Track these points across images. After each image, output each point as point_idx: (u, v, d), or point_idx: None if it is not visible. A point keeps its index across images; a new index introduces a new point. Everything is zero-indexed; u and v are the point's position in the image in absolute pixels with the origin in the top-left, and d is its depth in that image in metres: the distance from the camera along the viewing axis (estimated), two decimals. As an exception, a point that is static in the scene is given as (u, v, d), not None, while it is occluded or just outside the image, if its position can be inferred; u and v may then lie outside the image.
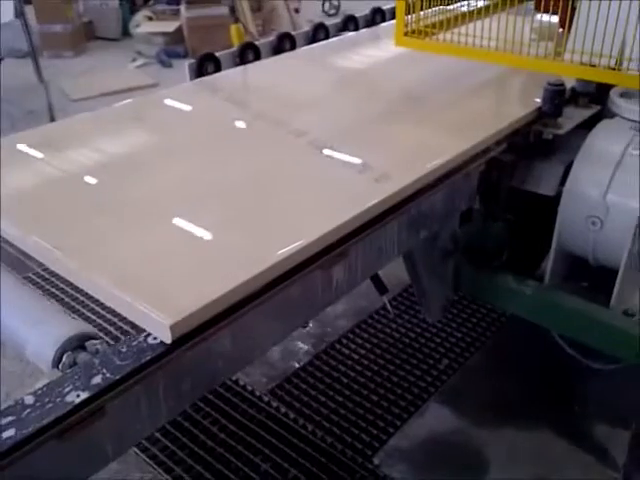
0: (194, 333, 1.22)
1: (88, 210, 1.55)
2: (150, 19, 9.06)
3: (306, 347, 3.36)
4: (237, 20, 6.27)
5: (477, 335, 3.37)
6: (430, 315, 2.34)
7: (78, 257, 1.36)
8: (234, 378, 3.10)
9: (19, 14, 6.71)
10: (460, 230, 2.19)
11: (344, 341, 3.37)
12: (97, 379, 1.07)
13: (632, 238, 1.97)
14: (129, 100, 2.39)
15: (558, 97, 2.02)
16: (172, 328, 1.17)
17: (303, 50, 2.94)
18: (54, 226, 1.48)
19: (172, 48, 8.19)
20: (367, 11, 3.62)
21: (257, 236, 1.45)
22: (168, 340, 1.18)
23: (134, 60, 8.17)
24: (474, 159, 1.90)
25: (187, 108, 2.23)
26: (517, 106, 2.20)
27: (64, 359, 1.12)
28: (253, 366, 3.20)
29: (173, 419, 2.86)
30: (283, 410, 2.93)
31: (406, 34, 2.09)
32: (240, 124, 2.07)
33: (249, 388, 3.06)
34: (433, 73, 2.51)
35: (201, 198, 1.60)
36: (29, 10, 8.06)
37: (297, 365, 3.22)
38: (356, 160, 1.75)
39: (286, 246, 1.38)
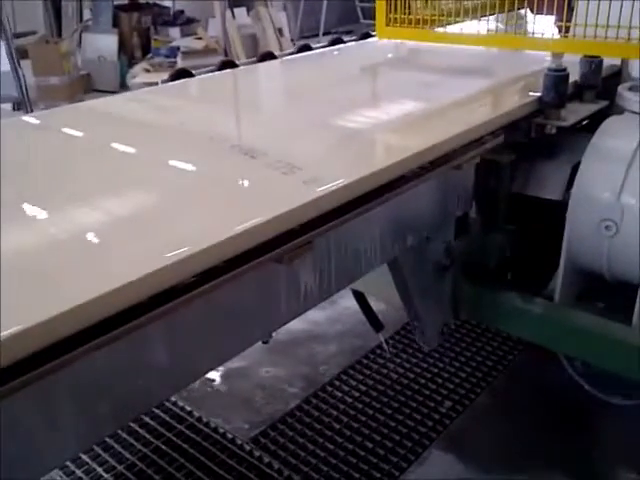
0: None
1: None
2: (147, 71, 9.08)
3: (294, 390, 3.07)
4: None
5: (483, 374, 3.08)
6: (425, 342, 2.05)
7: None
8: (213, 426, 2.81)
9: (13, 66, 6.74)
10: (456, 242, 1.94)
11: (336, 383, 3.10)
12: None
13: (653, 242, 1.72)
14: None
15: (561, 84, 1.79)
16: None
17: (277, 61, 2.77)
18: None
19: (167, 95, 8.14)
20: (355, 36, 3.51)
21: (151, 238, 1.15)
22: None
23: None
24: (455, 155, 1.63)
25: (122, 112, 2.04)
26: (512, 97, 1.98)
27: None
28: (234, 412, 2.92)
29: (143, 472, 2.56)
30: (267, 460, 2.64)
31: (388, 24, 1.89)
32: (165, 128, 1.84)
33: (229, 436, 2.77)
34: (412, 74, 2.31)
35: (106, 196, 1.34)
36: (28, 63, 8.15)
37: (284, 410, 2.91)
38: (287, 162, 1.45)
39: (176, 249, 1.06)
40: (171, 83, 2.41)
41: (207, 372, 1.30)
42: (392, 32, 1.94)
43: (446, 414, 2.86)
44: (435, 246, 1.86)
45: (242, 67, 2.63)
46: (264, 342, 1.44)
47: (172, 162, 1.50)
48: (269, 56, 2.95)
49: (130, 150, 1.59)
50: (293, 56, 2.82)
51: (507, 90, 2.06)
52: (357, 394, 3.01)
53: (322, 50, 2.95)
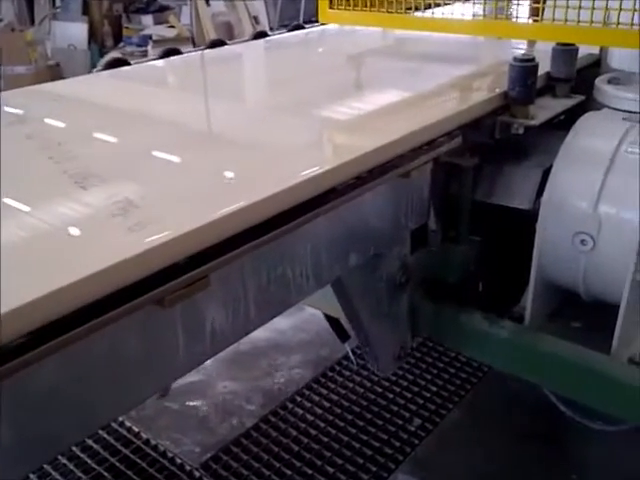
0: None
1: None
2: (118, 60, 8.76)
3: (252, 407, 2.85)
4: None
5: (456, 388, 2.88)
6: (379, 368, 1.83)
7: None
8: (162, 449, 2.59)
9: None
10: (413, 256, 1.70)
11: (298, 399, 2.90)
12: None
13: (636, 260, 1.49)
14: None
15: (529, 76, 1.55)
16: None
17: (218, 50, 2.49)
18: None
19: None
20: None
21: None
22: None
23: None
24: (401, 162, 1.36)
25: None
26: (472, 92, 1.73)
27: None
28: (185, 433, 2.70)
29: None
30: (216, 488, 2.42)
31: (332, 7, 1.64)
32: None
33: (178, 461, 2.56)
34: (358, 64, 2.02)
35: None
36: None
37: (239, 430, 2.69)
38: (124, 197, 1.10)
39: None
40: (92, 75, 2.17)
41: (72, 444, 1.05)
42: (337, 16, 1.69)
43: (414, 433, 2.67)
44: (387, 262, 1.62)
45: (181, 56, 2.38)
46: (161, 395, 1.20)
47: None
48: (219, 43, 2.73)
49: None
50: (239, 45, 2.58)
51: (469, 84, 1.81)
52: (319, 411, 2.81)
53: (276, 37, 2.70)
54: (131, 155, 1.36)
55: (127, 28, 9.37)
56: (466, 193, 1.70)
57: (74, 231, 1.03)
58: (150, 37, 8.77)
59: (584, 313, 1.83)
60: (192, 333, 1.05)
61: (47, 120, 1.63)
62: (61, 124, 1.60)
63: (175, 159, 1.35)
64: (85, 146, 1.41)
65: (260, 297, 1.18)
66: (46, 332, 0.81)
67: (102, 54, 9.17)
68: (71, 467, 2.52)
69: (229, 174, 1.25)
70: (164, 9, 9.58)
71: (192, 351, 1.07)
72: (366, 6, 1.64)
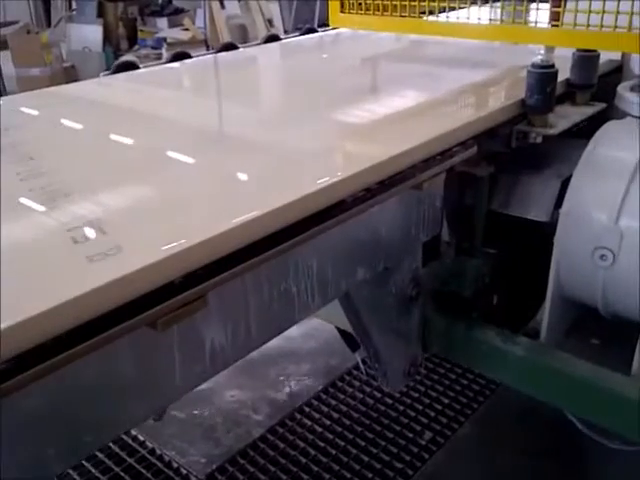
0: None
1: None
2: (132, 62, 8.78)
3: (259, 417, 2.80)
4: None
5: (468, 400, 2.82)
6: (387, 383, 1.77)
7: None
8: (167, 459, 2.55)
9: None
10: (425, 268, 1.64)
11: (306, 409, 2.84)
12: None
13: (658, 276, 1.42)
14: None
15: (548, 83, 1.49)
16: None
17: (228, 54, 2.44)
18: None
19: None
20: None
21: None
22: None
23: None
24: (409, 175, 1.27)
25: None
26: (488, 100, 1.66)
27: None
28: (191, 443, 2.65)
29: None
30: (222, 501, 2.37)
31: (343, 10, 1.58)
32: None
33: (183, 472, 2.51)
34: (368, 69, 1.97)
35: None
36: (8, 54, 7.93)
37: (246, 441, 2.64)
38: (95, 218, 1.01)
39: None
40: (95, 79, 2.13)
41: (63, 470, 1.00)
42: (348, 20, 1.64)
43: (425, 447, 2.61)
44: (398, 275, 1.56)
45: (189, 60, 2.34)
46: (155, 419, 1.15)
47: None
48: (230, 47, 2.69)
49: None
50: (249, 48, 2.53)
51: (485, 91, 1.74)
52: (328, 422, 2.75)
53: (287, 41, 2.65)
54: (127, 161, 1.31)
55: (142, 31, 9.42)
56: (481, 204, 1.63)
57: (52, 252, 0.95)
58: (165, 40, 8.80)
59: (603, 328, 1.76)
60: (189, 355, 1.00)
61: (25, 130, 1.55)
62: (41, 133, 1.53)
63: (172, 169, 1.28)
64: (62, 159, 1.33)
65: (262, 314, 1.12)
66: (33, 356, 0.76)
67: (117, 56, 9.20)
68: (75, 476, 2.49)
69: (229, 186, 1.19)
70: (179, 12, 9.62)
71: (189, 373, 1.01)
72: (378, 10, 1.58)
